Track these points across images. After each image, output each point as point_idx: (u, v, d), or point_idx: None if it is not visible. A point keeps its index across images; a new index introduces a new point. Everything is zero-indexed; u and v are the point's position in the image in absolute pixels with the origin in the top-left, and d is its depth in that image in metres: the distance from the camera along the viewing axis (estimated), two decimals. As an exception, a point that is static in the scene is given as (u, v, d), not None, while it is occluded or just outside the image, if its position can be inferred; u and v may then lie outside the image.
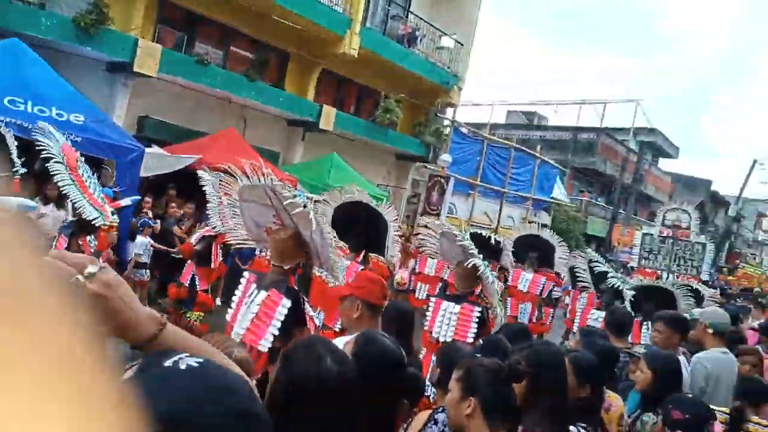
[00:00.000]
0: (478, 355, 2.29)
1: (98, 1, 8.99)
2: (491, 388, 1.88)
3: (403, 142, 14.49)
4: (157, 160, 8.24)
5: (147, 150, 7.78)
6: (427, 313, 4.47)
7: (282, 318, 2.80)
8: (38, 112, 6.82)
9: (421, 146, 14.67)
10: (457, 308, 4.25)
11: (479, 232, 7.91)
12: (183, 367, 0.68)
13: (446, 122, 15.28)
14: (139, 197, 7.20)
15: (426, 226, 4.94)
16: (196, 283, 6.17)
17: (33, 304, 0.29)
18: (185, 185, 8.54)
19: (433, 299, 4.60)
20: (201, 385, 0.67)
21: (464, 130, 15.96)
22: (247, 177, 3.06)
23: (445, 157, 13.91)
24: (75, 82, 8.22)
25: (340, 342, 1.97)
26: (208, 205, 5.45)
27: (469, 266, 4.19)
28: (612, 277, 5.42)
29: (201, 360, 0.72)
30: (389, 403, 1.94)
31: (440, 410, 2.16)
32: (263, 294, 2.91)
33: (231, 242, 3.82)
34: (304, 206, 2.93)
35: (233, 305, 3.11)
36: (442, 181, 13.67)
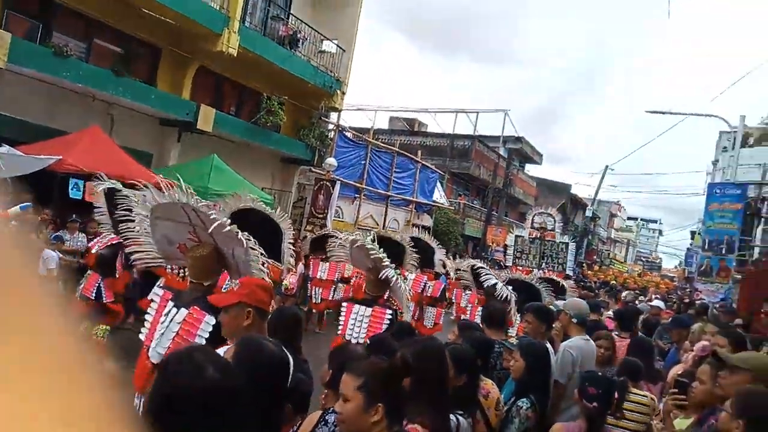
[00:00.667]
0: (370, 356, 2.30)
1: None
2: (393, 390, 1.88)
3: (288, 145, 14.28)
4: (10, 161, 7.33)
5: (-3, 149, 6.92)
6: (341, 317, 4.57)
7: (206, 336, 2.75)
8: None
9: (306, 150, 14.55)
10: (369, 311, 4.37)
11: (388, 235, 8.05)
12: None
13: (330, 126, 15.32)
14: (30, 204, 6.49)
15: (334, 236, 5.22)
16: (102, 294, 5.80)
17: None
18: (41, 189, 7.73)
19: (344, 304, 4.69)
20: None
21: (349, 134, 16.11)
22: (161, 194, 3.06)
23: (331, 161, 13.93)
24: None
25: (219, 352, 1.88)
26: (96, 213, 5.47)
27: (382, 277, 4.37)
28: (487, 275, 5.75)
29: None
30: (274, 407, 1.89)
31: (330, 411, 2.14)
32: (184, 311, 2.84)
33: (138, 261, 3.63)
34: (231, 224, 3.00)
35: (147, 324, 3.02)
36: (329, 184, 13.67)
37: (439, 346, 2.56)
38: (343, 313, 4.58)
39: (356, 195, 15.88)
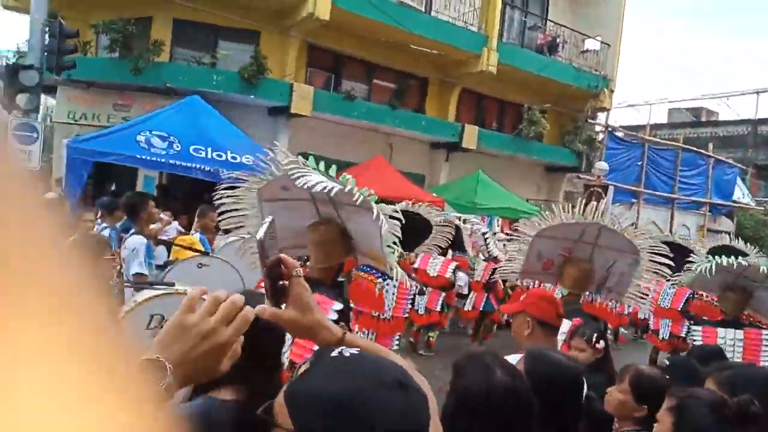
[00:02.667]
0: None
1: (257, 55, 10.08)
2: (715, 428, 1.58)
3: (552, 153, 13.87)
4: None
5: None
6: None
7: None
8: (216, 156, 7.77)
9: (572, 156, 13.90)
10: (741, 334, 3.80)
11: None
12: (347, 354, 0.81)
13: (598, 128, 14.33)
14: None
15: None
16: None
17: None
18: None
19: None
20: (365, 365, 0.79)
21: (620, 134, 14.83)
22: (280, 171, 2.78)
23: (601, 165, 13.01)
24: (243, 127, 9.23)
25: (512, 360, 1.87)
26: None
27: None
28: None
29: (357, 350, 0.84)
30: (566, 426, 1.78)
31: None
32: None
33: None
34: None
35: None
36: (600, 190, 12.76)
37: None
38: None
39: (634, 200, 14.43)
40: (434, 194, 10.21)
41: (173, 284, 3.22)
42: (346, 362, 0.79)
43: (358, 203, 2.62)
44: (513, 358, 1.89)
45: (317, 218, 2.92)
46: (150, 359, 0.77)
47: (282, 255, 0.93)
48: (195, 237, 5.54)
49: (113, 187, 10.63)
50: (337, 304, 2.61)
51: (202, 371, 0.82)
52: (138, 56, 9.59)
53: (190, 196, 9.54)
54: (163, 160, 7.34)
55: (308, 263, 2.84)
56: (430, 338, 7.26)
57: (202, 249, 4.69)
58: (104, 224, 5.41)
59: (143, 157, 7.25)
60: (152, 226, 5.26)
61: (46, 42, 8.60)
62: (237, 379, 1.36)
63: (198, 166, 7.37)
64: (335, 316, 2.53)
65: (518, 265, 3.80)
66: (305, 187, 2.58)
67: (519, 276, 3.85)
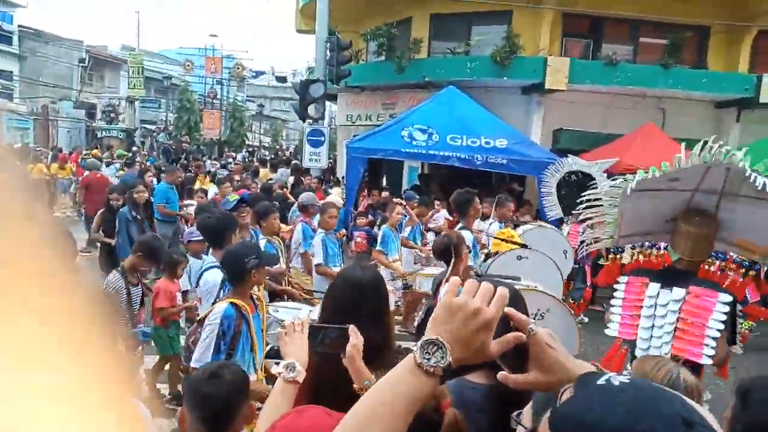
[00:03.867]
0: None
1: (510, 34, 9.98)
2: None
3: None
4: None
5: (564, 160, 8.04)
6: None
7: (722, 319, 2.40)
8: (471, 143, 8.05)
9: None
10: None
11: None
12: (616, 383, 0.73)
13: None
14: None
15: None
16: None
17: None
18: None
19: None
20: (640, 396, 0.71)
21: None
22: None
23: None
24: (495, 110, 9.31)
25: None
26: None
27: None
28: None
29: (627, 378, 0.77)
30: None
31: None
32: (680, 291, 2.53)
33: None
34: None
35: (617, 311, 2.71)
36: None
37: None
38: None
39: None
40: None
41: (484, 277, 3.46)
42: (618, 392, 0.73)
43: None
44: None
45: (684, 206, 2.72)
46: (429, 339, 0.83)
47: (508, 310, 0.88)
48: (494, 226, 5.81)
49: (384, 180, 11.89)
50: (724, 295, 2.48)
51: (473, 351, 0.84)
52: (400, 56, 10.45)
53: (450, 183, 10.08)
54: (423, 151, 7.92)
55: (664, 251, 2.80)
56: None
57: (521, 242, 4.77)
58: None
59: (407, 150, 7.94)
60: (394, 214, 5.68)
61: (327, 56, 10.05)
62: (488, 364, 1.43)
63: (454, 154, 7.76)
64: (725, 309, 2.45)
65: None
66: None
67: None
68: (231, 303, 2.61)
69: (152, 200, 7.31)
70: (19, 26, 27.67)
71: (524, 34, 10.12)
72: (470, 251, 4.25)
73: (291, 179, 10.98)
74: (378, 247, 5.63)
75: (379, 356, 1.49)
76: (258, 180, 10.77)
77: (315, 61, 10.61)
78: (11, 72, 27.42)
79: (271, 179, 11.27)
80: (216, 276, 3.24)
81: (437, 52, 11.29)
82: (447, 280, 3.34)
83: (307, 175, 10.44)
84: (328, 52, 10.03)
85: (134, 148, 21.83)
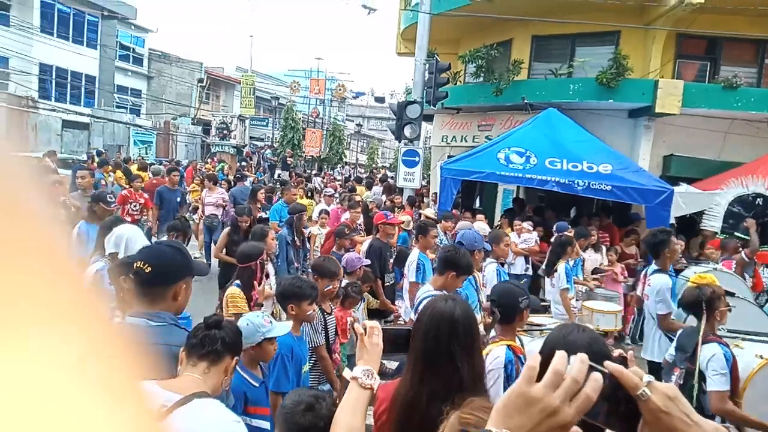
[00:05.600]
0: None
1: (617, 56, 9.56)
2: None
3: None
4: (688, 199, 7.83)
5: (675, 189, 7.53)
6: None
7: None
8: (572, 167, 7.72)
9: None
10: None
11: None
12: None
13: None
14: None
15: None
16: None
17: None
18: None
19: None
20: None
21: None
22: None
23: None
24: (599, 133, 8.92)
25: None
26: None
27: None
28: None
29: None
30: None
31: None
32: None
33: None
34: None
35: None
36: None
37: None
38: None
39: None
40: None
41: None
42: None
43: None
44: None
45: None
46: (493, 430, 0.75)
47: (617, 369, 0.78)
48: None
49: (478, 201, 11.75)
50: None
51: None
52: (498, 78, 10.34)
53: (545, 206, 9.75)
54: (520, 174, 7.73)
55: None
56: None
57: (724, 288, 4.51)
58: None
59: (502, 173, 7.78)
60: (429, 237, 5.16)
61: (426, 78, 10.18)
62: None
63: (553, 179, 7.48)
64: None
65: None
66: None
67: None
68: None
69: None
70: (150, 49, 30.71)
71: (633, 55, 9.66)
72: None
73: (383, 198, 11.16)
74: (411, 278, 4.73)
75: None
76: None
77: (413, 82, 10.79)
78: (140, 90, 30.42)
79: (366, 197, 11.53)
80: None
81: (538, 73, 11.06)
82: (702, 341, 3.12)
83: (396, 194, 10.55)
84: (426, 74, 10.16)
85: (243, 163, 23.22)
